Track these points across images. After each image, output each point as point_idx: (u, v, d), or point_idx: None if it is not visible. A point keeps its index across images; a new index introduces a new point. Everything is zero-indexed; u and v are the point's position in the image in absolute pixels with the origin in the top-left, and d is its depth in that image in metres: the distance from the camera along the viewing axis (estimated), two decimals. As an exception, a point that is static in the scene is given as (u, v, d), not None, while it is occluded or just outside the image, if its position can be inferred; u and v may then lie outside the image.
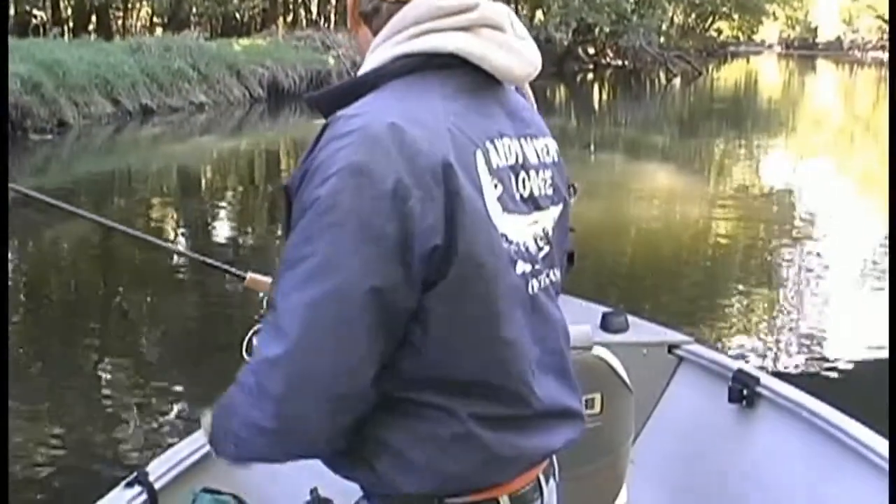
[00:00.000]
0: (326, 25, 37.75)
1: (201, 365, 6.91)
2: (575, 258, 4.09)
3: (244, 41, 29.75)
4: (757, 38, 78.56)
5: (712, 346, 4.29)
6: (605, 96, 39.97)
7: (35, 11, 30.31)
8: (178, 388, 6.66)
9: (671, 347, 4.06)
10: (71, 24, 31.74)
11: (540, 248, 1.69)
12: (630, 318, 4.03)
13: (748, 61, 67.54)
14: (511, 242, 1.60)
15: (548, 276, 1.71)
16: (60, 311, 8.72)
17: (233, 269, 2.41)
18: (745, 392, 3.70)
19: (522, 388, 1.63)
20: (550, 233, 1.72)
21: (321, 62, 29.34)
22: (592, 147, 21.80)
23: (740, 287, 9.59)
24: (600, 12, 42.09)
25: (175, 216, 13.33)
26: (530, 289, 1.65)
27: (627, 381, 2.92)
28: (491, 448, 1.60)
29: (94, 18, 32.40)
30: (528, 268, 1.64)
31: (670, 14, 51.55)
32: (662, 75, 45.22)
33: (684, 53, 48.56)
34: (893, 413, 3.23)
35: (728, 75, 54.03)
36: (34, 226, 11.12)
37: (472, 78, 1.65)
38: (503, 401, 1.62)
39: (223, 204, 14.66)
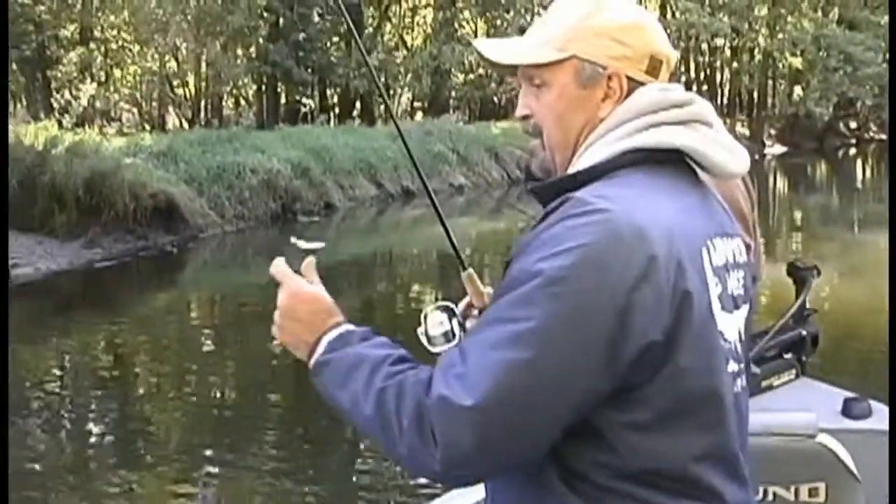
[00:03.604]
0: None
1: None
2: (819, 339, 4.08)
3: (502, 124, 30.28)
4: None
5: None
6: (868, 172, 38.49)
7: (304, 100, 31.96)
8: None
9: None
10: (337, 111, 33.33)
11: (740, 348, 1.67)
12: (874, 404, 3.92)
13: None
14: (726, 341, 1.60)
15: (744, 376, 1.68)
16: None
17: (462, 257, 2.31)
18: None
19: (719, 483, 1.60)
20: (743, 332, 1.69)
21: (578, 144, 29.47)
22: (856, 225, 21.07)
23: None
24: (863, 86, 40.74)
25: (435, 293, 13.71)
26: (735, 387, 1.63)
27: (856, 471, 2.86)
28: None
29: (358, 105, 33.88)
30: (735, 367, 1.63)
31: (939, 85, 49.35)
32: (931, 149, 43.22)
33: (955, 126, 46.27)
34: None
35: None
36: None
37: (689, 173, 1.67)
38: (700, 497, 1.58)
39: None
